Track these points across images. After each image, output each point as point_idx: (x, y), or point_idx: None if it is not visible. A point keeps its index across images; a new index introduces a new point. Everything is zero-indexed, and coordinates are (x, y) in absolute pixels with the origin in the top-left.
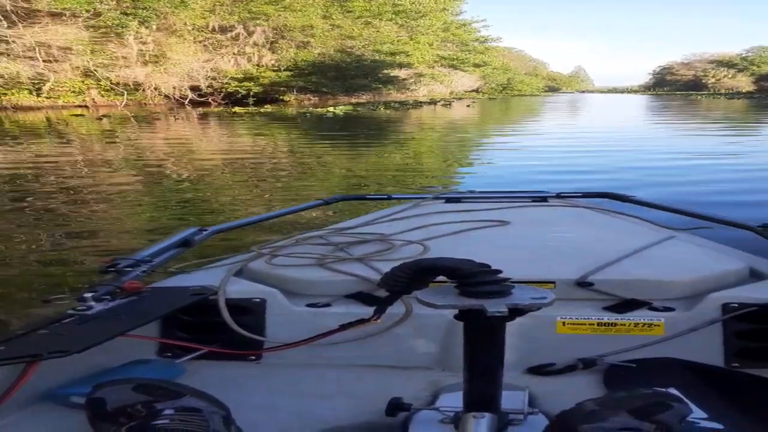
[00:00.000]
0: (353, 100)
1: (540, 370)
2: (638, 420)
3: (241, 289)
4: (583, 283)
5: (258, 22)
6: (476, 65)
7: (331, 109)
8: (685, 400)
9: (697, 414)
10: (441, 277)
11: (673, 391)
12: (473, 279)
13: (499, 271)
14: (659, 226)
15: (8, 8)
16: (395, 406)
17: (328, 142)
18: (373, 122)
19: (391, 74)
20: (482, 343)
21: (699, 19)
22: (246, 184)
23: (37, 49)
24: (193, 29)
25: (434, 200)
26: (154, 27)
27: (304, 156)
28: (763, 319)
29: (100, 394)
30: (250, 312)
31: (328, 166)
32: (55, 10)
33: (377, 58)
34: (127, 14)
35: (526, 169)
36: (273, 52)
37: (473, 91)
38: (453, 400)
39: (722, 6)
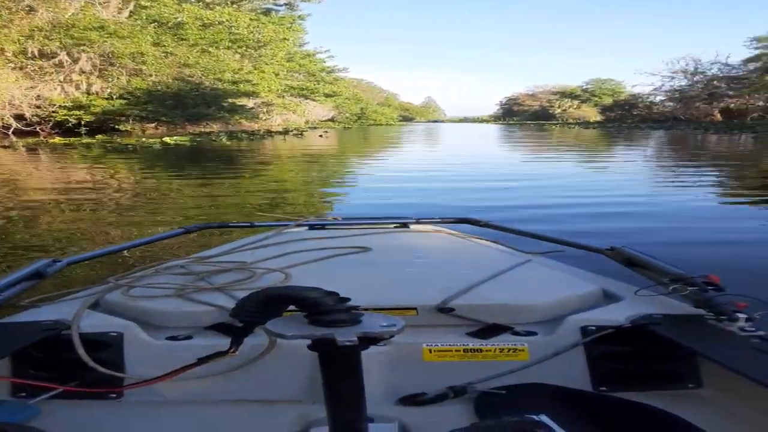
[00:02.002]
0: (202, 129)
1: (411, 400)
2: None
3: (96, 322)
4: (444, 309)
5: (82, 48)
6: (327, 95)
7: (166, 139)
8: (555, 426)
9: None
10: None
11: (543, 417)
12: (321, 308)
13: (348, 299)
14: (516, 251)
15: None
16: None
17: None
18: (200, 155)
19: (238, 103)
20: (339, 374)
21: (536, 54)
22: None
23: None
24: (10, 54)
25: (297, 227)
26: None
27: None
28: (621, 342)
29: None
30: (107, 347)
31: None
32: None
33: (219, 86)
34: None
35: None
36: (103, 80)
37: (329, 120)
38: None
39: (554, 42)
